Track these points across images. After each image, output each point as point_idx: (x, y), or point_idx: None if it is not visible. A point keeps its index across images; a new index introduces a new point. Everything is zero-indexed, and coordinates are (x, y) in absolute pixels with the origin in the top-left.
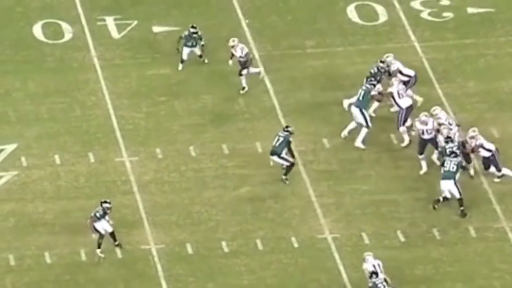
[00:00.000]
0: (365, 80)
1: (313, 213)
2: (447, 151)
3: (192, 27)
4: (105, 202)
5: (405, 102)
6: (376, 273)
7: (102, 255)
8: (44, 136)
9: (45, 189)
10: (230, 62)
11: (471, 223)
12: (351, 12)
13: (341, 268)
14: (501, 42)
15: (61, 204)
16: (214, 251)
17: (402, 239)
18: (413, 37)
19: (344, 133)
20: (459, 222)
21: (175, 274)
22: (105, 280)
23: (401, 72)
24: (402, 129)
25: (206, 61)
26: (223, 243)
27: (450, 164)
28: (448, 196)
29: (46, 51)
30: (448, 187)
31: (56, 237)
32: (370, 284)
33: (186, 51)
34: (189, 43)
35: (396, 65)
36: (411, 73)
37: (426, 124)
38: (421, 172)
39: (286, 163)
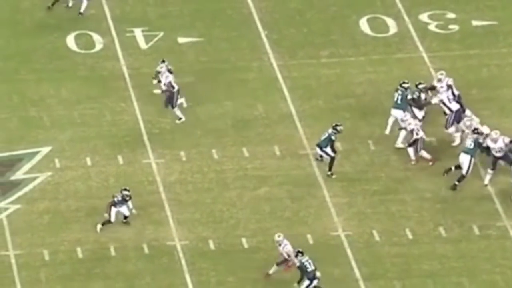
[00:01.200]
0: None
1: (327, 212)
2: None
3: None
4: (125, 189)
5: (455, 106)
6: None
7: (98, 230)
8: (76, 139)
9: (77, 189)
10: (155, 81)
11: (474, 221)
12: (363, 24)
13: (353, 263)
14: (503, 53)
15: (92, 203)
16: (234, 247)
17: (410, 236)
18: (421, 48)
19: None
20: (463, 221)
21: (198, 268)
22: (133, 274)
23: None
24: (451, 129)
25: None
26: (243, 240)
27: (469, 141)
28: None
29: (78, 61)
30: (462, 160)
31: (87, 233)
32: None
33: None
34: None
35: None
36: (456, 92)
37: (496, 142)
38: (486, 183)
39: (326, 156)
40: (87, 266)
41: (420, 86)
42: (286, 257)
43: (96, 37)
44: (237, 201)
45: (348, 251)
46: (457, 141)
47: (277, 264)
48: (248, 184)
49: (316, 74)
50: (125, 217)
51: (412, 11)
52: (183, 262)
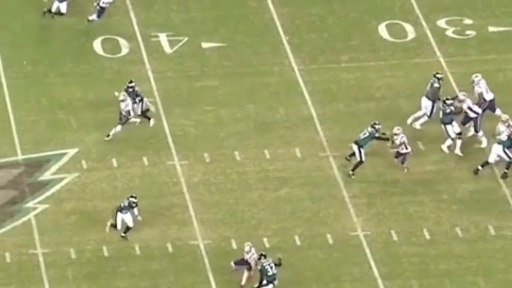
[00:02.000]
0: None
1: (346, 213)
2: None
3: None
4: (132, 196)
5: (479, 109)
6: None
7: (107, 230)
8: (103, 141)
9: (103, 190)
10: (116, 93)
11: (490, 222)
12: (382, 30)
13: (372, 262)
14: None
15: (118, 203)
16: (256, 247)
17: (428, 236)
18: (438, 53)
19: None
20: (479, 222)
21: (221, 267)
22: (157, 272)
23: (481, 95)
24: (481, 133)
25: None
26: (265, 239)
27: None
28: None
29: (105, 65)
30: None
31: (112, 232)
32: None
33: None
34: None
35: (480, 87)
36: (491, 96)
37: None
38: None
39: (358, 157)
40: (112, 265)
41: (448, 102)
42: (253, 265)
43: (122, 41)
44: (259, 201)
45: (367, 251)
46: (484, 143)
47: (235, 263)
48: (269, 185)
49: (336, 78)
50: (127, 229)
51: (430, 17)
52: (206, 261)
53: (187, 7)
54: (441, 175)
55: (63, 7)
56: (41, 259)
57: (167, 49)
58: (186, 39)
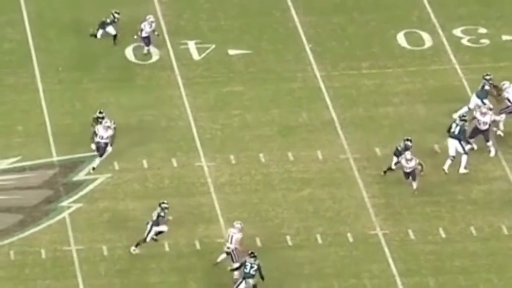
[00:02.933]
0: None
1: (366, 212)
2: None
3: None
4: (163, 203)
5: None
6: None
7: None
8: (134, 143)
9: (134, 189)
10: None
11: (503, 222)
12: (401, 38)
13: (390, 260)
14: None
15: (148, 202)
16: (279, 244)
17: (443, 235)
18: (454, 60)
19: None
20: (493, 221)
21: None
22: (185, 269)
23: (509, 100)
24: (490, 142)
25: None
26: (288, 238)
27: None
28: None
29: (136, 71)
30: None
31: (143, 231)
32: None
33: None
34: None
35: (508, 92)
36: None
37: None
38: None
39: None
40: (143, 261)
41: (487, 77)
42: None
43: (153, 49)
44: (282, 201)
45: (385, 249)
46: (492, 152)
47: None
48: (292, 185)
49: (357, 84)
50: (159, 233)
51: (446, 26)
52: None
53: (215, 16)
54: (456, 177)
55: (112, 30)
56: (75, 255)
57: (196, 56)
58: (213, 46)
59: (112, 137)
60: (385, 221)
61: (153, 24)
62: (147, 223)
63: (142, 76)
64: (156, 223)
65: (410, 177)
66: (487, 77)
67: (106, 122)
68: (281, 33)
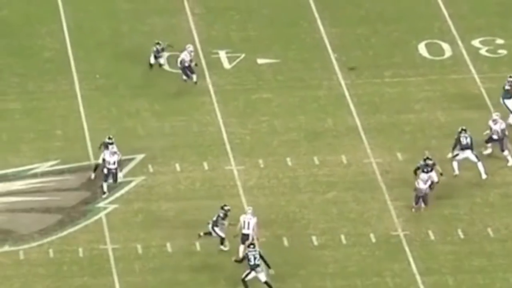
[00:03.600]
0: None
1: (388, 214)
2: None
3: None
4: (225, 205)
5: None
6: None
7: (225, 248)
8: (167, 148)
9: (167, 192)
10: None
11: None
12: (422, 48)
13: (411, 259)
14: None
15: (181, 204)
16: (305, 244)
17: (462, 236)
18: (473, 70)
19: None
20: (509, 223)
21: (274, 262)
22: (216, 267)
23: None
24: (506, 152)
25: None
26: (313, 238)
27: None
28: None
29: (170, 79)
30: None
31: (176, 230)
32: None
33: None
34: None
35: None
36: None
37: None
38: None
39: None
40: (175, 259)
41: (510, 79)
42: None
43: (187, 45)
44: (308, 203)
45: (407, 249)
46: (510, 162)
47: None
48: (318, 188)
49: (380, 92)
50: (222, 240)
51: (466, 37)
52: None
53: (245, 27)
54: (475, 180)
55: (163, 60)
56: (110, 253)
57: (226, 64)
58: (243, 55)
59: (119, 163)
60: (406, 223)
61: (192, 54)
62: (208, 223)
63: (175, 83)
64: (215, 224)
65: (422, 201)
66: (510, 78)
67: (113, 148)
68: (308, 43)
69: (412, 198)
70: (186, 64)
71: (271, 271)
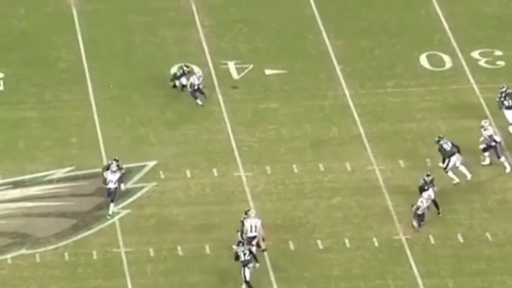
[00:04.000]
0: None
1: (390, 219)
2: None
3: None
4: (248, 210)
5: (498, 138)
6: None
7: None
8: (178, 155)
9: (178, 197)
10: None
11: None
12: (423, 60)
13: (412, 263)
14: None
15: (191, 209)
16: (311, 248)
17: (462, 240)
18: (472, 81)
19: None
20: (507, 228)
21: (280, 265)
22: (225, 269)
23: None
24: (503, 158)
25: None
26: (318, 242)
27: None
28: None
29: (181, 89)
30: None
31: (186, 234)
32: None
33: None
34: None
35: None
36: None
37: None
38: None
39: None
40: (186, 262)
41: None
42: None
43: (196, 69)
44: (314, 208)
45: (408, 252)
46: (508, 168)
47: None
48: (323, 194)
49: (383, 101)
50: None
51: (465, 49)
52: (267, 260)
53: (253, 39)
54: (474, 187)
55: (184, 81)
56: (123, 256)
57: (235, 75)
58: (251, 66)
59: (121, 178)
60: (408, 227)
61: (201, 79)
62: (237, 231)
63: (186, 93)
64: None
65: (420, 221)
66: (502, 89)
67: (113, 167)
68: (314, 55)
69: (413, 216)
70: (196, 88)
71: (257, 265)
